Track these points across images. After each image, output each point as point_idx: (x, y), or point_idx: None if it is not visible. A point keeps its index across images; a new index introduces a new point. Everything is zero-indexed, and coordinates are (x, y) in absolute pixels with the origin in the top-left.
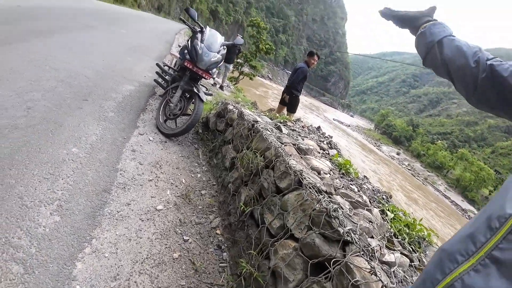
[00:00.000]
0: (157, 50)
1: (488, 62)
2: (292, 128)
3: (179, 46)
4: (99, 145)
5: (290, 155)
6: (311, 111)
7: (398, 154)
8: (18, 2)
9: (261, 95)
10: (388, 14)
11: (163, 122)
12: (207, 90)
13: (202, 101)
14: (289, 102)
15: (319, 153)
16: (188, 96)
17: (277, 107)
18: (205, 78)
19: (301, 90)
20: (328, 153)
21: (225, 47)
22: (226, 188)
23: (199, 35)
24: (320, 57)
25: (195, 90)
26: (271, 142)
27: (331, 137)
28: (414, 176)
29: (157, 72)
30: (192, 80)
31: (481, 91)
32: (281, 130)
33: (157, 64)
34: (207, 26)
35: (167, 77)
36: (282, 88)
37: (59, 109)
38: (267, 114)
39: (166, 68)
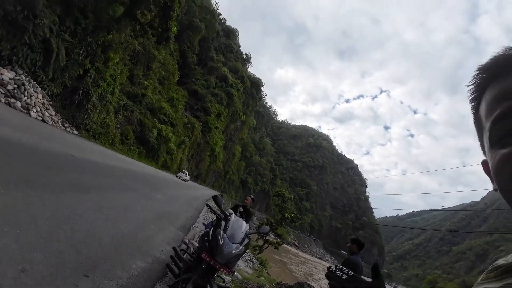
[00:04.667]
0: (184, 218)
1: None
2: None
3: (204, 224)
4: None
5: None
6: None
7: None
8: (72, 151)
9: (283, 260)
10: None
11: None
12: (224, 283)
13: None
14: None
15: None
16: None
17: None
18: (223, 273)
19: None
20: None
21: (249, 236)
22: None
23: (222, 223)
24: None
25: (208, 287)
26: None
27: None
28: None
29: (171, 256)
30: (208, 273)
31: None
32: None
33: (174, 248)
34: (232, 214)
35: (181, 264)
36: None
37: (52, 281)
38: None
39: (182, 252)
